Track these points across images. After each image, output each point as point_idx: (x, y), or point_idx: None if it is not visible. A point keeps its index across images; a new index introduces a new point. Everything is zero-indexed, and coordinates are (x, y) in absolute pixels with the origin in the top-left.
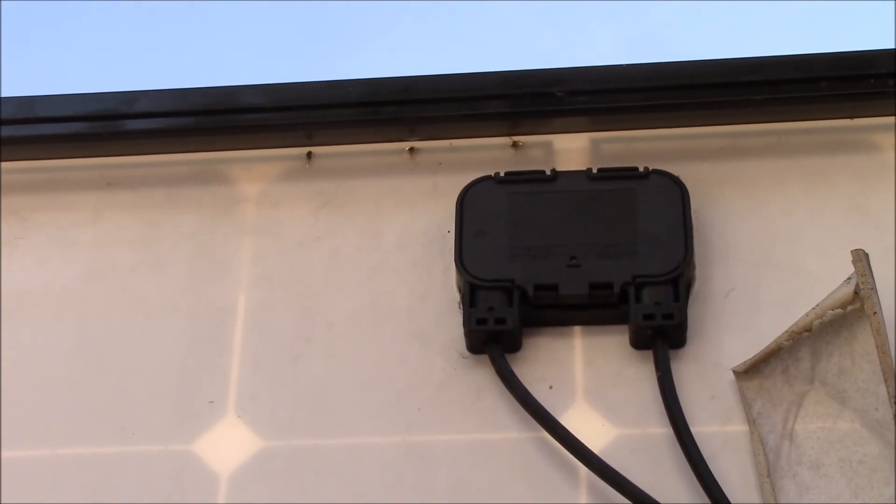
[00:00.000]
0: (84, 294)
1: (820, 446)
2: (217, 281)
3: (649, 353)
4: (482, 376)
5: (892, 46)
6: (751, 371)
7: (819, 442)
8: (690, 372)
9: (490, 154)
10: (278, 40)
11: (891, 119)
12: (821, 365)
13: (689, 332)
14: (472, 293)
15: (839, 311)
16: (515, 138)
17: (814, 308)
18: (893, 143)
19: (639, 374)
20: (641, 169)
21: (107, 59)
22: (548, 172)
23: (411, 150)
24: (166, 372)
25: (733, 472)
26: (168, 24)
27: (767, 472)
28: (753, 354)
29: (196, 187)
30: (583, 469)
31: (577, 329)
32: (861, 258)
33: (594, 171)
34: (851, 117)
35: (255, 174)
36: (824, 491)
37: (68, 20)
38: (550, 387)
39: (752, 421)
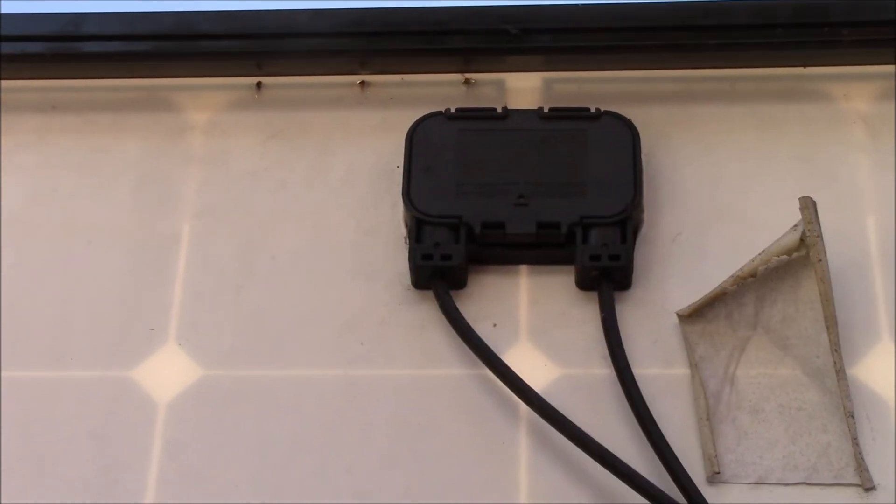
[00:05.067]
0: (26, 218)
1: (760, 392)
2: (161, 209)
3: (594, 295)
4: (426, 312)
5: None
6: (695, 315)
7: (759, 387)
8: (635, 314)
9: (442, 90)
10: None
11: (844, 69)
12: (764, 311)
13: (635, 276)
14: (418, 228)
15: (785, 257)
16: (468, 75)
17: (760, 254)
18: (845, 93)
19: (583, 315)
20: (593, 110)
21: None
22: (499, 110)
23: (362, 83)
24: (106, 298)
25: (673, 414)
26: None
27: (707, 416)
28: (698, 299)
29: (143, 114)
30: (523, 407)
31: (524, 268)
32: (808, 205)
33: (545, 110)
34: (805, 65)
35: (204, 102)
36: (762, 436)
37: None
38: (494, 325)
39: (694, 364)
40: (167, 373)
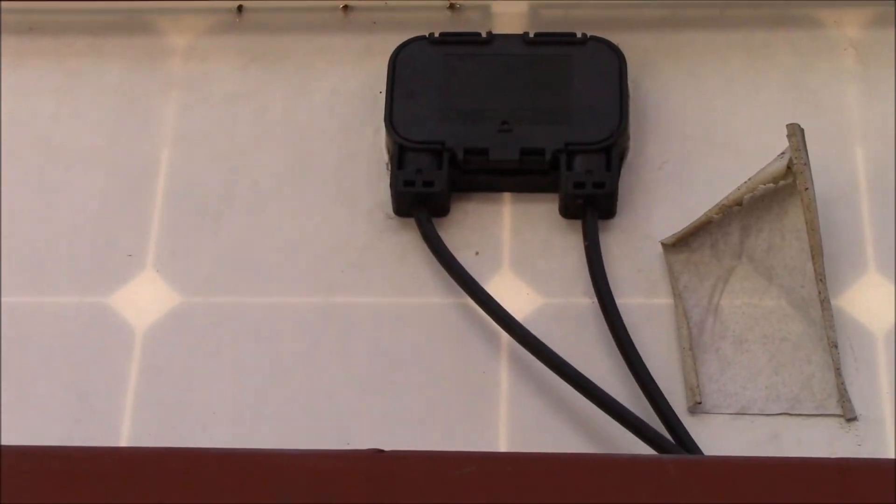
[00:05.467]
0: (3, 141)
1: (744, 322)
2: (140, 134)
3: (578, 223)
4: (408, 239)
5: None
6: (679, 244)
7: (743, 317)
8: (619, 243)
9: (426, 15)
10: None
11: None
12: (750, 240)
13: (620, 204)
14: (400, 154)
15: (771, 185)
16: (453, 0)
17: (745, 182)
18: (836, 20)
19: (567, 244)
20: (579, 35)
21: None
22: (483, 35)
23: (345, 7)
24: (84, 224)
25: (656, 344)
26: None
27: (690, 346)
28: (683, 227)
29: (122, 37)
30: (504, 336)
31: (507, 196)
32: (796, 132)
33: (531, 35)
34: None
35: (184, 26)
36: (745, 366)
37: None
38: (476, 253)
39: (677, 294)
40: (145, 299)
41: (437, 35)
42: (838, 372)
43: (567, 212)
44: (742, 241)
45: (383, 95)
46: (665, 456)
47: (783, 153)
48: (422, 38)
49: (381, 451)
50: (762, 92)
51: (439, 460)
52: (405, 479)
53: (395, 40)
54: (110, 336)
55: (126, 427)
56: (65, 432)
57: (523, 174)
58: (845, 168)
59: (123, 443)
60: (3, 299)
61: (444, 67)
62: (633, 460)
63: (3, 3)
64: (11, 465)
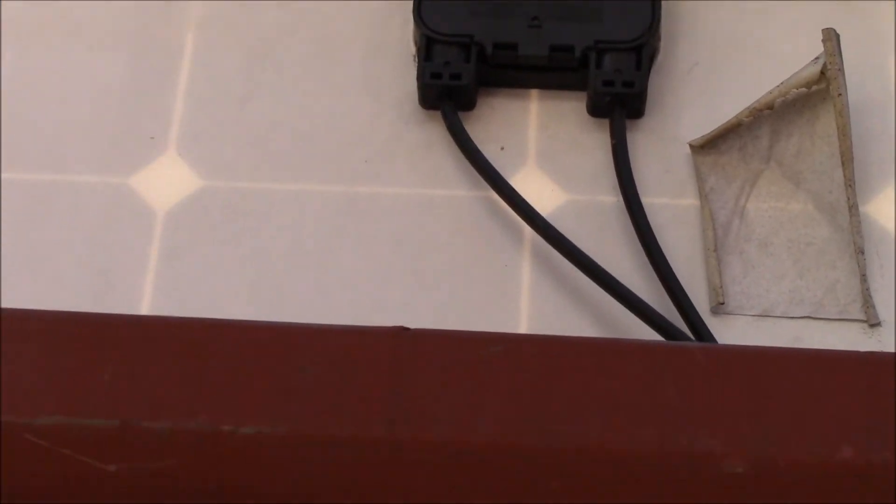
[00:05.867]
0: (26, 19)
1: (770, 225)
2: (165, 18)
3: (605, 122)
4: (433, 132)
5: None
6: (707, 146)
7: (770, 221)
8: (647, 143)
9: None
10: None
11: None
12: (779, 144)
13: (649, 105)
14: (428, 46)
15: (804, 90)
16: None
17: (778, 86)
18: None
19: (594, 142)
20: None
21: None
22: None
23: None
24: (106, 105)
25: (680, 244)
26: None
27: (714, 247)
28: (712, 129)
29: None
30: (527, 231)
31: (534, 92)
32: (831, 37)
33: None
34: None
35: None
36: (769, 269)
37: None
38: (502, 148)
39: (704, 196)
40: (166, 181)
41: None
42: (864, 278)
43: (595, 110)
44: (771, 145)
45: None
46: (693, 343)
47: (817, 58)
48: None
49: (406, 329)
50: None
51: (465, 340)
52: (429, 357)
53: None
54: (131, 217)
55: (145, 307)
56: (83, 308)
57: (552, 71)
58: (880, 76)
59: None
60: (24, 176)
61: None
62: (663, 346)
63: None
64: (13, 329)
